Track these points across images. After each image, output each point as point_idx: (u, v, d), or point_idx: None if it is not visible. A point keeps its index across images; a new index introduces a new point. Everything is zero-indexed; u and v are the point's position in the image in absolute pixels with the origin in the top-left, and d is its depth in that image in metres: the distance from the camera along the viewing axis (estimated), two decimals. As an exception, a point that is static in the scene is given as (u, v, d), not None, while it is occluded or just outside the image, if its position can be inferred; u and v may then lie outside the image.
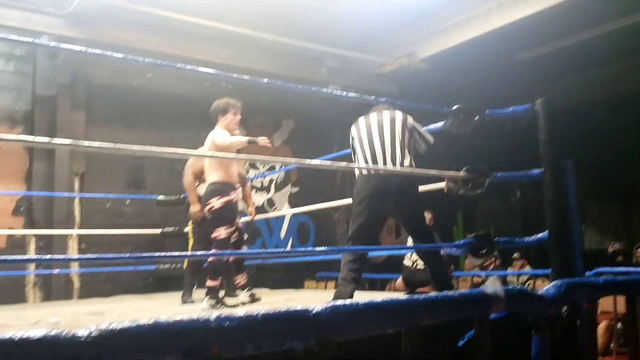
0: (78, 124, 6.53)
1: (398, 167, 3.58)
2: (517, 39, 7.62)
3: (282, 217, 8.12)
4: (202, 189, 4.60)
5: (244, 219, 5.06)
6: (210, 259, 4.27)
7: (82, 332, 0.87)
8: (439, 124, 3.64)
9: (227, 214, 4.20)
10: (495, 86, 8.47)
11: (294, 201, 8.18)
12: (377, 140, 3.66)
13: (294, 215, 8.08)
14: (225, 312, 1.01)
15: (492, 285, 1.30)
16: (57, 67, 6.42)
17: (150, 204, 6.57)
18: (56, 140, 2.26)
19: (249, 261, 6.77)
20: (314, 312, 1.07)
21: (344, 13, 7.04)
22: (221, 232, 4.13)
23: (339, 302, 1.13)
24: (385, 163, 3.61)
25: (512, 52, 8.47)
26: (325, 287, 7.25)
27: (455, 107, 3.42)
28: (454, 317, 1.28)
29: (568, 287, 1.51)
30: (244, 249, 4.66)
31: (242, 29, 6.68)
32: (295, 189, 8.36)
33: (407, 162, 3.62)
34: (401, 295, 1.33)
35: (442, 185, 3.74)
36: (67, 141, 2.30)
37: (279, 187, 8.23)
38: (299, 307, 1.08)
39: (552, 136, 3.32)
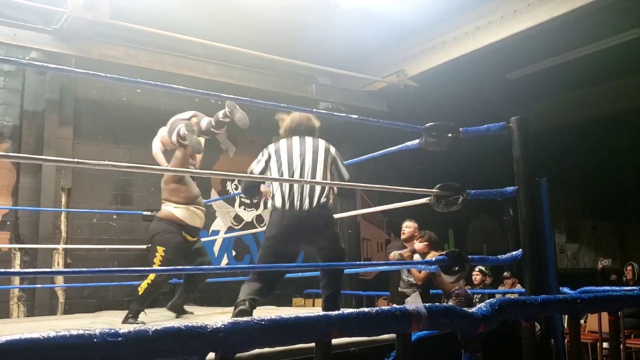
0: (66, 139, 6.55)
1: (315, 203, 3.37)
2: (507, 57, 7.65)
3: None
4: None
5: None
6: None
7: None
8: (415, 142, 3.62)
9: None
10: (486, 105, 8.49)
11: (283, 218, 8.14)
12: (298, 171, 3.41)
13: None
14: (114, 327, 1.00)
15: (413, 302, 1.28)
16: (46, 83, 6.46)
17: (137, 220, 6.55)
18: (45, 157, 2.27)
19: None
20: (211, 328, 1.06)
21: (334, 31, 7.09)
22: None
23: (241, 318, 1.11)
24: (302, 197, 3.36)
25: (502, 71, 8.49)
26: (313, 304, 7.21)
27: (427, 125, 3.40)
28: (371, 334, 1.26)
29: (501, 305, 1.49)
30: None
31: (231, 46, 6.71)
32: (285, 206, 8.30)
33: (326, 201, 3.41)
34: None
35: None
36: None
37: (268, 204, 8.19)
38: (197, 323, 1.06)
39: (526, 154, 3.31)
